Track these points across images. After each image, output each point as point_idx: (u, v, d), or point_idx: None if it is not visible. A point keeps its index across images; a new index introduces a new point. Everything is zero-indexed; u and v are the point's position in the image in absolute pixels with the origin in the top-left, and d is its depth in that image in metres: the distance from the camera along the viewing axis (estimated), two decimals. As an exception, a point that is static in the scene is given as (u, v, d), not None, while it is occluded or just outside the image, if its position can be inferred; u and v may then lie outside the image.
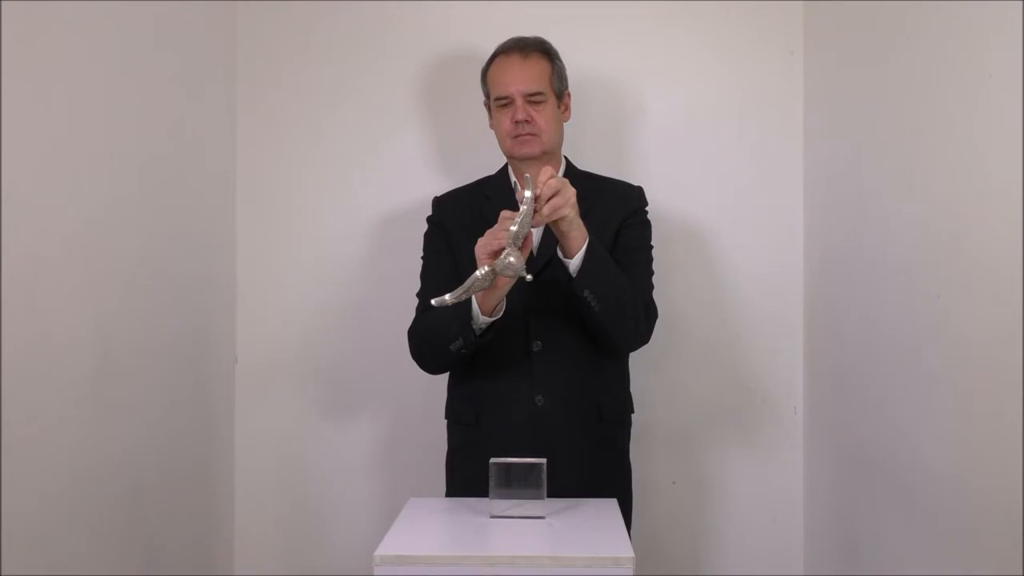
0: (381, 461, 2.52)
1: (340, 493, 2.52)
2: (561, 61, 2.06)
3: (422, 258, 2.10)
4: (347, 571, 2.46)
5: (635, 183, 2.14)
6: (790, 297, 2.49)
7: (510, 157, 2.05)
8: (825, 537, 2.37)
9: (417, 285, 2.08)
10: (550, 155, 2.04)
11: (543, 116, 1.99)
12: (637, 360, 2.12)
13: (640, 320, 1.96)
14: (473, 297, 1.81)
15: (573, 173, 2.09)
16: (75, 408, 1.78)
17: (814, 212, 2.44)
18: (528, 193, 1.71)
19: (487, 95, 2.07)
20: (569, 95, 2.09)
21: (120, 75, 1.94)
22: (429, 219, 2.12)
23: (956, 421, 1.68)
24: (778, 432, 2.50)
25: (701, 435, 2.50)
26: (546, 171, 1.75)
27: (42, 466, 1.67)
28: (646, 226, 2.08)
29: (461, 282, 1.73)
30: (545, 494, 1.72)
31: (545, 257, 1.92)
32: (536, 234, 1.93)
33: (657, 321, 2.02)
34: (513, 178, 2.08)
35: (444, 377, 2.10)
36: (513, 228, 1.70)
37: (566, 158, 2.11)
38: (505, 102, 2.00)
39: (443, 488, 2.10)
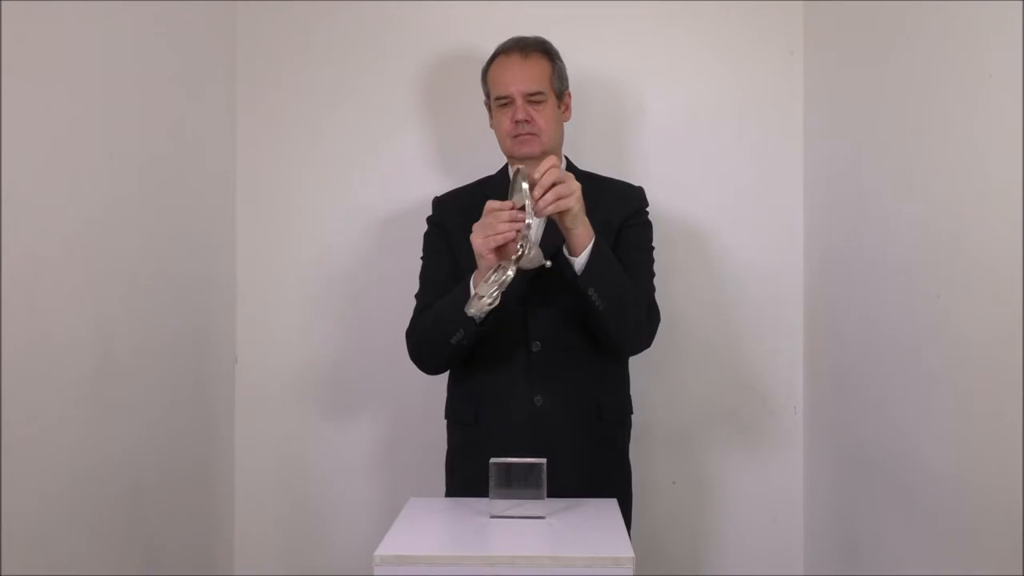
0: (381, 461, 2.52)
1: (340, 493, 2.52)
2: (561, 61, 2.06)
3: (421, 258, 2.10)
4: (347, 571, 2.46)
5: (635, 183, 2.14)
6: (790, 297, 2.49)
7: (510, 157, 2.05)
8: (825, 537, 2.37)
9: (417, 285, 2.08)
10: (550, 155, 2.03)
11: (543, 116, 1.99)
12: (637, 360, 2.12)
13: (643, 322, 1.96)
14: (472, 288, 1.82)
15: (574, 173, 2.09)
16: (75, 408, 1.78)
17: (814, 212, 2.44)
18: (526, 185, 1.73)
19: (487, 95, 2.08)
20: (569, 95, 2.09)
21: (120, 75, 1.94)
22: (429, 219, 2.12)
23: (956, 421, 1.68)
24: (778, 432, 2.50)
25: (701, 435, 2.50)
26: (548, 160, 1.76)
27: (42, 466, 1.67)
28: (647, 227, 2.08)
29: (458, 281, 1.73)
30: (545, 494, 1.72)
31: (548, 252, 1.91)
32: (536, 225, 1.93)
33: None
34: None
35: (444, 377, 2.10)
36: (532, 223, 1.73)
37: (567, 158, 2.11)
38: (505, 102, 2.00)
39: (443, 488, 2.10)
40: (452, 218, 2.06)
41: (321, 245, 2.52)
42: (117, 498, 1.93)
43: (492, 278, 1.75)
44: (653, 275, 2.05)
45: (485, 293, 1.73)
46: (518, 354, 1.97)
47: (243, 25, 2.52)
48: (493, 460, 1.73)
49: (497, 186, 2.08)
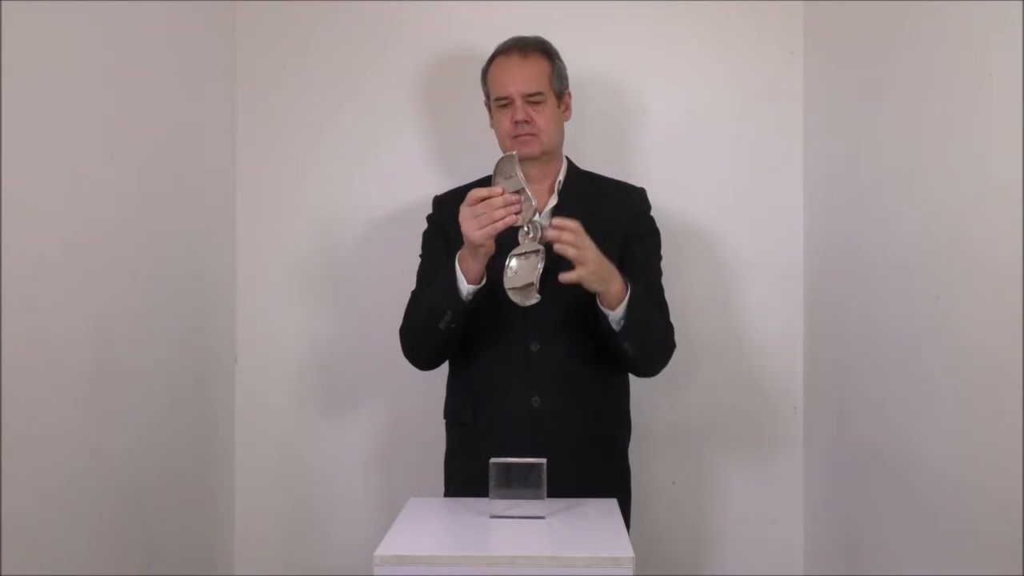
0: (381, 461, 2.52)
1: (340, 493, 2.52)
2: (561, 61, 2.06)
3: (420, 256, 2.10)
4: (347, 571, 2.46)
5: (635, 183, 2.14)
6: (790, 297, 2.49)
7: (510, 156, 2.05)
8: (825, 537, 2.37)
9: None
10: (550, 155, 2.03)
11: (543, 116, 1.99)
12: (637, 360, 2.12)
13: (667, 356, 1.99)
14: (459, 268, 1.85)
15: (575, 173, 2.09)
16: (75, 408, 1.78)
17: (814, 212, 2.44)
18: (520, 171, 1.79)
19: (487, 95, 2.07)
20: (570, 94, 2.09)
21: (120, 75, 1.94)
22: (429, 217, 2.12)
23: (956, 421, 1.68)
24: (778, 432, 2.49)
25: (701, 435, 2.50)
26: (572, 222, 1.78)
27: (42, 466, 1.67)
28: (656, 236, 2.08)
29: None
30: (545, 494, 1.72)
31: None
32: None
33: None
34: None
35: (443, 377, 2.10)
36: (537, 219, 1.80)
37: (568, 158, 2.11)
38: (505, 102, 2.00)
39: (442, 488, 2.10)
40: (451, 217, 2.06)
41: (321, 245, 2.52)
42: (117, 498, 1.92)
43: (527, 264, 1.78)
44: (663, 289, 2.05)
45: (530, 280, 1.77)
46: (517, 355, 1.97)
47: (243, 25, 2.52)
48: (493, 460, 1.73)
49: (497, 186, 2.08)
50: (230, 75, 2.51)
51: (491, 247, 1.80)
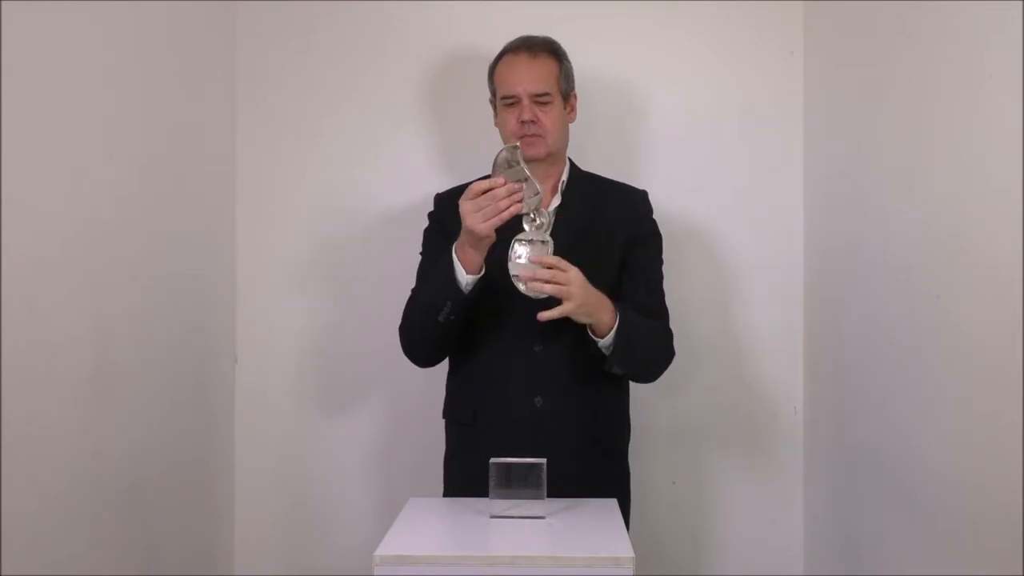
0: (381, 461, 2.52)
1: (340, 493, 2.52)
2: (569, 62, 2.06)
3: (420, 254, 2.10)
4: (347, 571, 2.46)
5: (634, 183, 2.14)
6: (790, 297, 2.49)
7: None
8: (825, 537, 2.37)
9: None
10: (555, 156, 2.03)
11: (549, 117, 1.99)
12: (637, 360, 2.12)
13: (667, 363, 2.01)
14: (456, 260, 1.85)
15: (577, 174, 2.09)
16: (75, 408, 1.78)
17: (814, 212, 2.44)
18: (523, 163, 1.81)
19: (493, 92, 2.07)
20: (575, 96, 2.09)
21: (120, 75, 1.94)
22: (430, 215, 2.12)
23: (956, 421, 1.68)
24: (778, 432, 2.49)
25: (701, 435, 2.50)
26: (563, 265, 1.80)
27: (42, 466, 1.67)
28: (657, 239, 2.08)
29: None
30: (545, 494, 1.72)
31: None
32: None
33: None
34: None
35: (443, 377, 2.10)
36: (541, 219, 1.82)
37: (570, 159, 2.11)
38: (511, 101, 1.99)
39: (442, 488, 2.09)
40: (452, 216, 2.05)
41: (321, 245, 2.52)
42: (117, 498, 1.92)
43: (534, 253, 1.81)
44: (664, 293, 2.05)
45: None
46: (520, 355, 1.97)
47: (243, 25, 2.52)
48: (493, 460, 1.73)
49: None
50: (230, 75, 2.51)
51: (493, 236, 1.81)
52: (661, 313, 2.01)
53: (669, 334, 2.02)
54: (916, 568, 1.82)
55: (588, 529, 1.69)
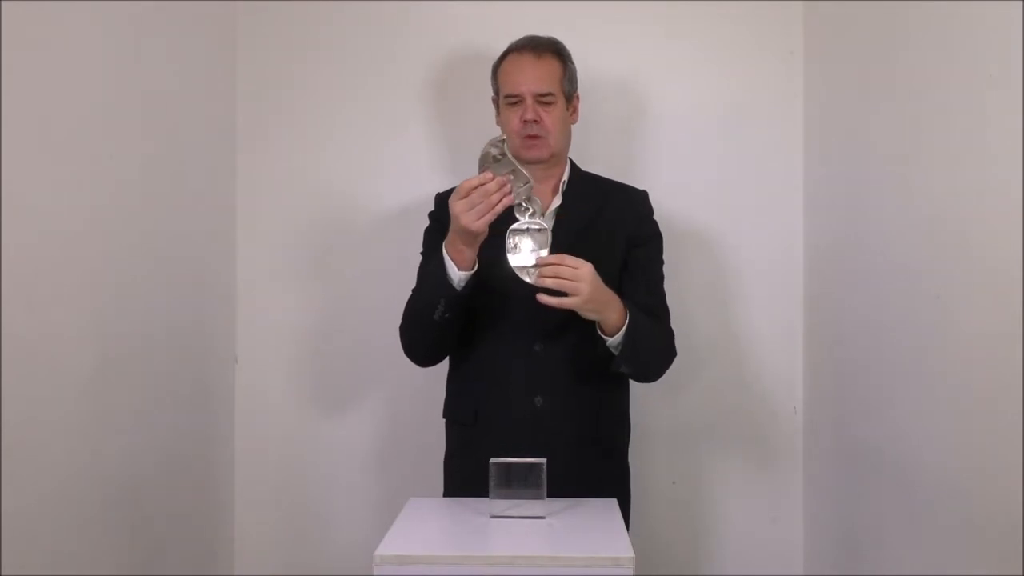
0: (381, 461, 2.52)
1: (340, 493, 2.52)
2: (573, 63, 2.06)
3: (421, 254, 2.10)
4: (347, 571, 2.46)
5: (634, 183, 2.14)
6: (790, 297, 2.49)
7: (516, 157, 2.05)
8: (825, 537, 2.37)
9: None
10: (557, 157, 2.03)
11: (552, 117, 1.99)
12: (637, 360, 2.12)
13: (669, 362, 2.01)
14: (447, 258, 1.85)
15: (578, 175, 2.09)
16: (75, 408, 1.78)
17: (814, 212, 2.44)
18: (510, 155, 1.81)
19: (496, 91, 2.07)
20: (578, 97, 2.09)
21: (120, 75, 1.94)
22: (431, 214, 2.12)
23: (956, 421, 1.68)
24: (778, 432, 2.50)
25: (701, 435, 2.50)
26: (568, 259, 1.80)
27: (42, 466, 1.67)
28: (658, 239, 2.08)
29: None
30: (545, 494, 1.72)
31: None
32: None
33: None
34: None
35: (443, 377, 2.10)
36: (533, 206, 1.83)
37: (571, 160, 2.11)
38: (515, 100, 1.99)
39: (442, 488, 2.09)
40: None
41: (321, 246, 2.52)
42: (117, 498, 1.93)
43: (533, 241, 1.81)
44: (665, 294, 2.05)
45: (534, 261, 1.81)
46: (520, 355, 1.97)
47: (243, 25, 2.52)
48: (493, 460, 1.73)
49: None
50: (230, 75, 2.51)
51: (486, 231, 1.81)
52: (662, 313, 2.02)
53: (671, 334, 2.02)
54: (916, 568, 1.82)
55: (588, 529, 1.69)
